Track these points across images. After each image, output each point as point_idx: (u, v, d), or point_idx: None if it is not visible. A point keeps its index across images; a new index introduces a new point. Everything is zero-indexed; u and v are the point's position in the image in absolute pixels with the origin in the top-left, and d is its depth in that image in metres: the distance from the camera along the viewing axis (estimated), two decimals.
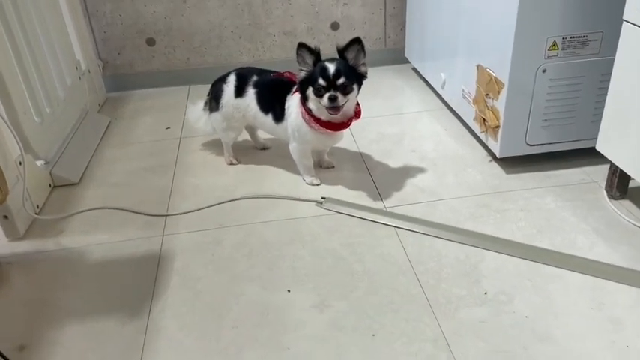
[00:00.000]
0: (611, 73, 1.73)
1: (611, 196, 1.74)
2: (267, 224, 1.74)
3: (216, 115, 2.01)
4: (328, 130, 1.77)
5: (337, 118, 1.72)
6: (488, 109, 1.88)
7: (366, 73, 1.72)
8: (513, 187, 1.84)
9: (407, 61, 2.86)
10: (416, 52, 2.69)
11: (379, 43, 2.96)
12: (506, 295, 1.39)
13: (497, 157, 1.89)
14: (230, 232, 1.71)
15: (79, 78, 2.47)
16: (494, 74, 1.82)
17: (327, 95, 1.65)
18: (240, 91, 1.93)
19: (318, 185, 1.93)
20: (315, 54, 1.69)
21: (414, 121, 2.37)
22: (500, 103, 1.81)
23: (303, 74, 1.71)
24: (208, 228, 1.74)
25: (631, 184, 1.73)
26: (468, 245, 1.59)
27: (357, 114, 1.79)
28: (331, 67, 1.66)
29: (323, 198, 1.85)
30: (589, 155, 1.90)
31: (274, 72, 1.94)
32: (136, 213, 1.83)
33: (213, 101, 2.02)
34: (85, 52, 2.59)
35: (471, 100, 2.03)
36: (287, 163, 2.01)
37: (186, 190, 1.96)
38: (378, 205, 1.82)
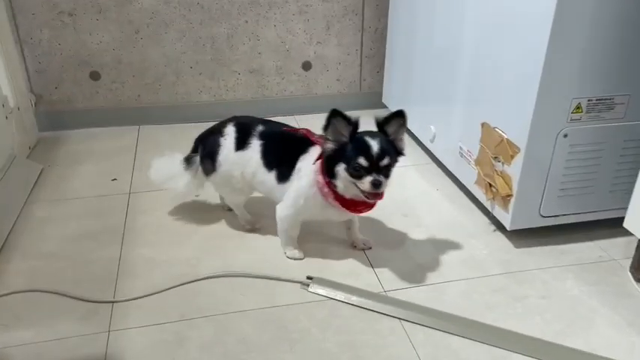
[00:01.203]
0: (635, 140, 1.56)
1: (637, 279, 1.53)
2: (243, 315, 1.41)
3: (214, 177, 1.67)
4: (348, 211, 1.49)
5: (351, 195, 1.44)
6: (497, 174, 1.64)
7: (404, 150, 1.45)
8: (527, 266, 1.60)
9: (384, 106, 2.62)
10: (396, 98, 2.46)
11: (354, 86, 2.71)
12: None
13: (508, 229, 1.65)
14: (196, 327, 1.37)
15: (6, 117, 2.05)
16: (505, 136, 1.59)
17: (368, 179, 1.36)
18: (241, 144, 1.60)
19: (300, 259, 1.62)
20: (353, 125, 1.38)
21: (400, 178, 2.11)
22: (513, 170, 1.58)
23: (331, 146, 1.40)
24: (168, 320, 1.38)
25: None
26: (491, 346, 1.32)
27: (382, 194, 1.47)
28: (374, 145, 1.36)
29: (309, 278, 1.53)
30: (601, 227, 1.71)
31: (285, 125, 1.65)
32: (74, 298, 1.45)
33: (208, 160, 1.67)
34: (15, 85, 2.18)
35: (472, 161, 1.79)
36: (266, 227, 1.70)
37: (138, 264, 1.59)
38: (375, 286, 1.52)
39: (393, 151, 1.40)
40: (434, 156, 2.14)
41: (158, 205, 1.90)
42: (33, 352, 1.28)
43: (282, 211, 1.57)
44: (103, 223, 1.79)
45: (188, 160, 1.73)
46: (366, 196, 1.40)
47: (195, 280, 1.51)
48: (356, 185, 1.39)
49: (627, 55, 1.45)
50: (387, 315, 1.41)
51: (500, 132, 1.62)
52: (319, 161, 1.46)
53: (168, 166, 1.76)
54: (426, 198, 1.96)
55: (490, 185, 1.69)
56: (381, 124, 1.40)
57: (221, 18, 2.42)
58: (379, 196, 1.40)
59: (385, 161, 1.37)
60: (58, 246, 1.67)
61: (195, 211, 1.86)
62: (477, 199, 1.85)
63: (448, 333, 1.35)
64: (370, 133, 1.40)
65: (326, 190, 1.45)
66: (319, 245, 1.67)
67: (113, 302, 1.43)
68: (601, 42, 1.41)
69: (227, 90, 2.58)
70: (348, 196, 1.44)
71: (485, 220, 1.82)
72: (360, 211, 1.50)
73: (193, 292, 1.48)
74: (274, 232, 1.75)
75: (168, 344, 1.31)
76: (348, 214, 1.55)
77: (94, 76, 2.43)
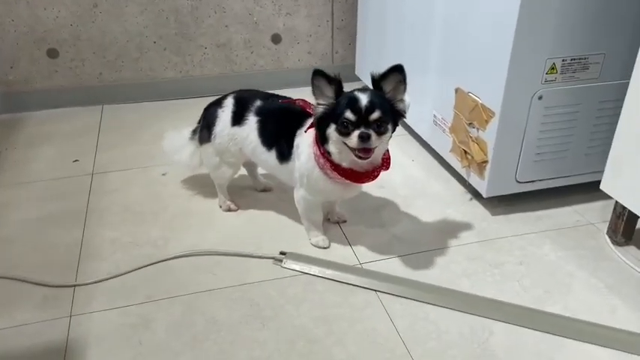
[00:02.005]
0: (610, 100, 1.53)
1: (615, 242, 1.51)
2: (214, 294, 1.35)
3: (207, 147, 1.59)
4: (347, 181, 1.38)
5: (363, 165, 1.34)
6: (472, 140, 1.60)
7: (405, 111, 1.34)
8: (504, 233, 1.57)
9: (357, 79, 2.55)
10: (369, 69, 2.38)
11: (326, 58, 2.64)
12: None
13: (484, 196, 1.62)
14: (163, 308, 1.30)
15: None
16: (480, 100, 1.54)
17: (356, 133, 1.25)
18: (238, 119, 1.52)
19: (325, 248, 1.52)
20: (336, 83, 1.28)
21: None
22: (488, 135, 1.53)
23: (321, 109, 1.30)
24: (133, 302, 1.32)
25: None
26: (470, 314, 1.28)
27: (386, 163, 1.38)
28: (363, 98, 1.26)
29: (282, 253, 1.48)
30: (577, 191, 1.69)
31: (283, 97, 1.55)
32: (33, 283, 1.37)
33: (205, 130, 1.59)
34: None
35: (447, 129, 1.75)
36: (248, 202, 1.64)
37: (102, 246, 1.52)
38: (351, 259, 1.48)
39: (387, 107, 1.27)
40: (408, 126, 2.09)
41: (123, 185, 1.81)
42: None
43: (296, 194, 1.50)
44: (65, 205, 1.71)
45: (194, 131, 1.66)
46: (356, 155, 1.28)
47: (162, 261, 1.45)
48: (346, 145, 1.28)
49: (602, 13, 1.41)
50: (363, 287, 1.37)
51: (475, 97, 1.57)
52: (312, 130, 1.37)
53: (176, 138, 1.69)
54: (402, 169, 1.91)
55: (465, 152, 1.65)
56: (377, 80, 1.29)
57: None
58: (368, 152, 1.27)
59: (375, 115, 1.24)
60: (17, 231, 1.59)
61: (162, 191, 1.79)
62: (453, 168, 1.81)
63: (426, 303, 1.32)
64: (361, 89, 1.30)
65: (322, 160, 1.35)
66: (294, 219, 1.61)
67: (75, 286, 1.36)
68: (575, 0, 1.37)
69: (194, 65, 2.49)
70: (345, 164, 1.33)
71: (461, 188, 1.79)
72: (363, 181, 1.38)
73: (160, 273, 1.42)
74: (247, 207, 1.69)
75: (133, 327, 1.24)
76: (354, 188, 1.44)
77: (52, 53, 2.31)
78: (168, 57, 2.44)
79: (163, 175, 1.87)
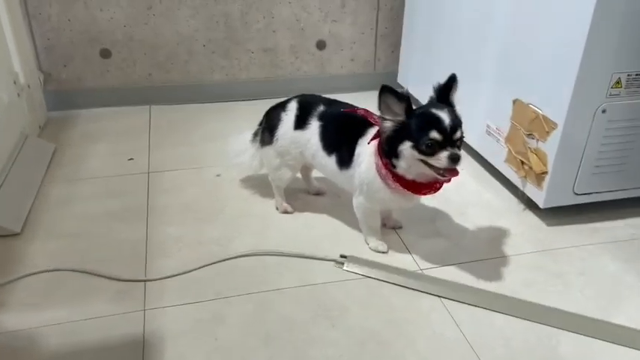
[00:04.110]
0: None
1: None
2: (281, 293, 1.37)
3: (268, 149, 1.62)
4: (410, 193, 1.39)
5: (428, 177, 1.34)
6: (530, 151, 1.62)
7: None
8: (561, 244, 1.58)
9: (400, 87, 2.57)
10: (413, 77, 2.42)
11: (368, 65, 2.67)
12: None
13: (541, 206, 1.63)
14: (235, 305, 1.33)
15: (18, 95, 1.99)
16: (541, 112, 1.56)
17: (445, 154, 1.25)
18: (301, 123, 1.55)
19: (384, 253, 1.54)
20: (406, 100, 1.29)
21: None
22: (548, 146, 1.55)
23: (390, 125, 1.31)
24: (205, 299, 1.35)
25: None
26: (535, 323, 1.30)
27: None
28: (446, 118, 1.25)
29: (342, 256, 1.50)
30: (631, 205, 1.71)
31: (346, 104, 1.57)
32: (106, 277, 1.40)
33: (267, 132, 1.62)
34: (24, 62, 2.10)
35: (502, 139, 1.77)
36: (307, 205, 1.68)
37: (167, 243, 1.55)
38: (410, 265, 1.50)
39: (461, 121, 1.29)
40: None
41: (179, 184, 1.85)
42: (68, 331, 1.24)
43: (354, 200, 1.52)
44: (124, 202, 1.75)
45: (255, 135, 1.70)
46: (441, 174, 1.29)
47: (229, 259, 1.48)
48: (427, 164, 1.28)
49: None
50: (427, 293, 1.39)
51: (535, 108, 1.59)
52: (375, 142, 1.38)
53: (241, 141, 1.73)
54: (453, 179, 1.92)
55: (522, 163, 1.67)
56: (442, 92, 1.31)
57: None
58: (456, 172, 1.28)
59: (458, 134, 1.27)
60: (80, 226, 1.62)
61: (218, 191, 1.82)
62: (504, 178, 1.83)
63: (490, 310, 1.33)
64: (434, 105, 1.31)
65: (384, 171, 1.36)
66: (349, 223, 1.64)
67: (145, 281, 1.39)
68: None
69: (240, 69, 2.53)
70: (409, 177, 1.35)
71: (513, 198, 1.80)
72: (425, 194, 1.39)
73: (227, 271, 1.44)
74: (301, 210, 1.72)
75: (207, 322, 1.27)
76: (414, 199, 1.45)
77: (105, 53, 2.36)
78: (216, 60, 2.48)
79: (218, 176, 1.91)
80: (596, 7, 1.34)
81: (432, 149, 1.26)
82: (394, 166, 1.34)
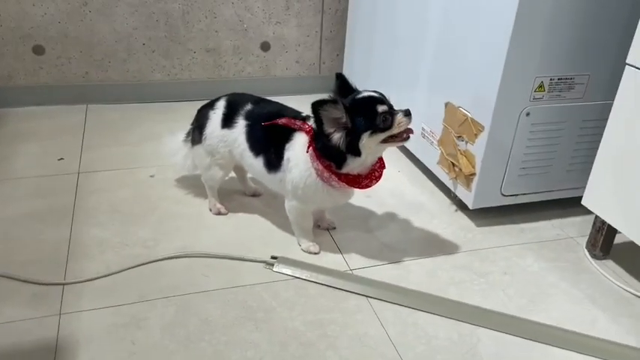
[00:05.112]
0: (592, 120, 1.61)
1: (594, 256, 1.57)
2: (206, 295, 1.35)
3: (198, 148, 1.60)
4: (352, 188, 1.41)
5: (368, 166, 1.38)
6: (460, 153, 1.65)
7: None
8: (489, 244, 1.62)
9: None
10: (357, 81, 2.42)
11: (313, 68, 2.67)
12: None
13: (470, 207, 1.66)
14: (156, 308, 1.30)
15: None
16: (469, 115, 1.60)
17: (400, 115, 1.32)
18: (228, 121, 1.53)
19: (315, 254, 1.53)
20: (339, 101, 1.29)
21: None
22: (476, 148, 1.59)
23: (338, 135, 1.29)
24: (124, 302, 1.31)
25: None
26: (458, 321, 1.32)
27: (382, 162, 1.43)
28: (374, 93, 1.35)
29: (273, 257, 1.49)
30: (557, 206, 1.76)
31: (276, 104, 1.56)
32: (22, 281, 1.34)
33: (197, 131, 1.60)
34: None
35: (435, 142, 1.79)
36: (242, 205, 1.65)
37: (90, 246, 1.50)
38: (341, 265, 1.50)
39: None
40: None
41: (110, 185, 1.80)
42: None
43: (287, 203, 1.51)
44: (50, 203, 1.68)
45: (187, 134, 1.68)
46: (404, 139, 1.35)
47: (154, 261, 1.44)
48: (388, 139, 1.33)
49: (588, 36, 1.48)
50: (354, 293, 1.39)
51: (465, 111, 1.62)
52: (311, 149, 1.36)
53: (175, 141, 1.71)
54: (388, 179, 1.92)
55: (453, 165, 1.70)
56: (343, 86, 1.40)
57: None
58: (410, 129, 1.36)
59: (390, 102, 1.35)
60: (1, 228, 1.55)
61: (150, 192, 1.78)
62: (438, 180, 1.85)
63: (415, 309, 1.35)
64: (356, 93, 1.36)
65: (327, 174, 1.36)
66: (282, 224, 1.63)
67: (64, 284, 1.34)
68: (564, 22, 1.43)
69: (182, 69, 2.49)
70: (355, 172, 1.36)
71: (446, 200, 1.83)
72: (368, 185, 1.41)
73: (152, 274, 1.41)
74: (235, 211, 1.70)
75: (126, 326, 1.23)
76: (351, 194, 1.47)
77: (38, 50, 2.28)
78: (156, 59, 2.43)
79: (151, 176, 1.86)
80: (518, 12, 1.38)
81: (388, 121, 1.31)
82: (339, 167, 1.35)
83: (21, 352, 1.16)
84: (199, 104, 1.68)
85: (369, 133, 1.30)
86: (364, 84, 2.33)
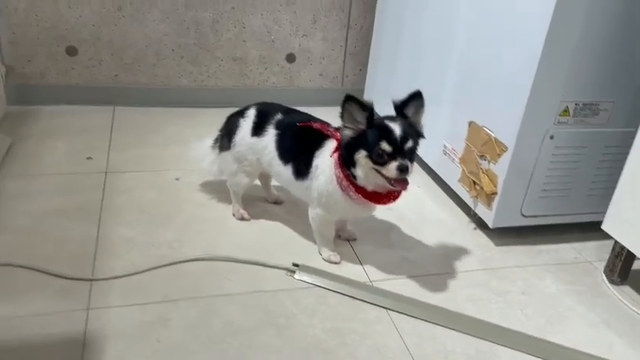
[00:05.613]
0: (614, 146, 1.62)
1: (611, 281, 1.58)
2: (229, 298, 1.38)
3: (226, 155, 1.64)
4: (371, 203, 1.42)
5: (386, 187, 1.37)
6: (482, 172, 1.67)
7: (422, 132, 1.39)
8: (507, 263, 1.63)
9: None
10: (379, 95, 2.46)
11: (336, 81, 2.72)
12: None
13: (490, 226, 1.68)
14: (180, 308, 1.33)
15: None
16: (493, 135, 1.62)
17: (394, 164, 1.28)
18: (258, 130, 1.56)
19: (337, 263, 1.55)
20: (369, 110, 1.32)
21: None
22: (499, 168, 1.61)
23: (349, 133, 1.34)
24: (150, 301, 1.34)
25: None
26: (475, 337, 1.33)
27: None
28: (397, 129, 1.30)
29: (295, 265, 1.52)
30: (575, 229, 1.77)
31: (305, 115, 1.58)
32: (50, 274, 1.38)
33: (225, 138, 1.64)
34: None
35: (457, 159, 1.82)
36: (261, 212, 1.68)
37: (117, 244, 1.53)
38: (361, 276, 1.52)
39: (415, 133, 1.34)
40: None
41: (136, 186, 1.84)
42: (9, 326, 1.22)
43: (311, 211, 1.53)
44: (79, 200, 1.72)
45: (215, 141, 1.71)
46: (391, 184, 1.32)
47: (179, 262, 1.47)
48: (380, 173, 1.32)
49: (614, 64, 1.51)
50: (374, 304, 1.41)
51: (488, 131, 1.65)
52: (336, 154, 1.40)
53: (202, 147, 1.75)
54: (409, 194, 1.96)
55: (474, 183, 1.72)
56: (400, 106, 1.35)
57: (207, 2, 2.37)
58: (405, 182, 1.32)
59: (409, 144, 1.30)
60: (30, 222, 1.60)
61: (176, 195, 1.82)
62: (458, 197, 1.88)
63: (433, 323, 1.36)
64: (389, 117, 1.35)
65: (345, 183, 1.39)
66: (303, 232, 1.66)
67: (92, 280, 1.38)
68: (591, 48, 1.46)
69: (208, 76, 2.54)
70: (369, 187, 1.37)
71: (465, 217, 1.85)
72: (385, 203, 1.42)
73: (177, 274, 1.44)
74: (257, 217, 1.73)
75: (151, 324, 1.26)
76: (371, 208, 1.48)
77: (71, 51, 2.34)
78: (184, 65, 2.48)
79: (176, 179, 1.90)
80: (547, 37, 1.41)
81: (383, 159, 1.30)
82: (355, 177, 1.37)
83: (50, 344, 1.19)
84: (223, 111, 1.73)
85: (365, 153, 1.32)
86: (387, 100, 2.38)
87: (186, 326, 1.27)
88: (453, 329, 1.35)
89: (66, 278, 1.37)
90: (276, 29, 2.51)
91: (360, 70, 2.69)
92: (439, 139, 1.93)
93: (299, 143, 1.51)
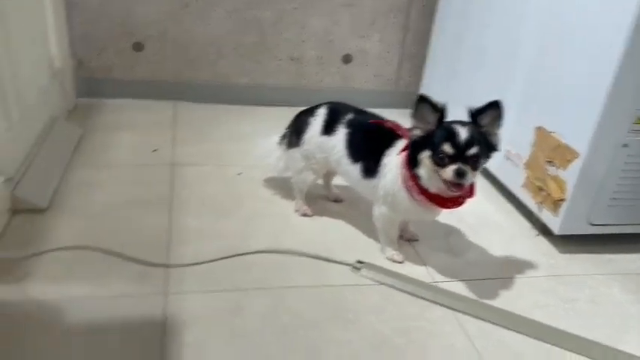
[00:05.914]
0: None
1: None
2: (298, 291, 1.40)
3: (294, 152, 1.67)
4: (433, 205, 1.43)
5: (435, 186, 1.37)
6: (550, 177, 1.66)
7: (498, 145, 1.37)
8: (573, 271, 1.62)
9: None
10: (436, 98, 2.46)
11: (391, 83, 2.73)
12: None
13: (556, 233, 1.67)
14: (253, 298, 1.36)
15: (51, 78, 2.04)
16: (564, 141, 1.61)
17: (452, 167, 1.29)
18: (328, 129, 1.59)
19: (400, 262, 1.57)
20: (440, 112, 1.33)
21: None
22: (568, 174, 1.59)
23: (417, 133, 1.36)
24: (224, 289, 1.38)
25: None
26: (544, 343, 1.32)
27: (472, 190, 1.41)
28: (462, 133, 1.29)
29: (360, 262, 1.53)
30: None
31: (375, 116, 1.60)
32: (128, 259, 1.43)
33: (294, 135, 1.67)
34: (60, 48, 2.16)
35: (521, 164, 1.81)
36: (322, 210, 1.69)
37: (188, 233, 1.58)
38: (424, 277, 1.53)
39: (484, 143, 1.32)
40: None
41: (201, 179, 1.89)
42: (88, 307, 1.27)
43: (376, 210, 1.55)
44: (148, 191, 1.78)
45: (282, 138, 1.75)
46: (448, 187, 1.32)
47: (249, 253, 1.51)
48: (439, 175, 1.32)
49: None
50: (440, 305, 1.41)
51: (558, 137, 1.63)
52: (404, 153, 1.41)
53: (268, 143, 1.79)
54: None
55: (540, 189, 1.71)
56: (475, 114, 1.34)
57: (269, 2, 2.42)
58: (461, 187, 1.31)
59: (472, 151, 1.29)
60: (104, 209, 1.66)
61: (239, 189, 1.86)
62: (519, 203, 1.86)
63: (501, 327, 1.36)
64: (460, 122, 1.34)
65: (410, 183, 1.40)
66: (365, 230, 1.67)
67: (168, 266, 1.42)
68: None
69: (266, 75, 2.58)
70: (433, 189, 1.37)
71: (526, 223, 1.84)
72: (448, 207, 1.43)
73: (246, 265, 1.48)
74: (319, 214, 1.76)
75: (227, 312, 1.30)
76: (436, 211, 1.48)
77: (137, 47, 2.42)
78: (243, 63, 2.54)
79: (239, 174, 1.95)
80: (627, 45, 1.39)
81: (443, 161, 1.30)
82: (419, 177, 1.38)
83: (131, 325, 1.24)
84: (279, 110, 1.76)
85: (429, 153, 1.33)
86: (445, 102, 2.37)
87: (259, 315, 1.30)
88: (521, 333, 1.34)
89: (143, 263, 1.42)
90: (335, 30, 2.54)
91: (416, 72, 2.69)
92: (502, 144, 1.91)
93: (369, 142, 1.53)
